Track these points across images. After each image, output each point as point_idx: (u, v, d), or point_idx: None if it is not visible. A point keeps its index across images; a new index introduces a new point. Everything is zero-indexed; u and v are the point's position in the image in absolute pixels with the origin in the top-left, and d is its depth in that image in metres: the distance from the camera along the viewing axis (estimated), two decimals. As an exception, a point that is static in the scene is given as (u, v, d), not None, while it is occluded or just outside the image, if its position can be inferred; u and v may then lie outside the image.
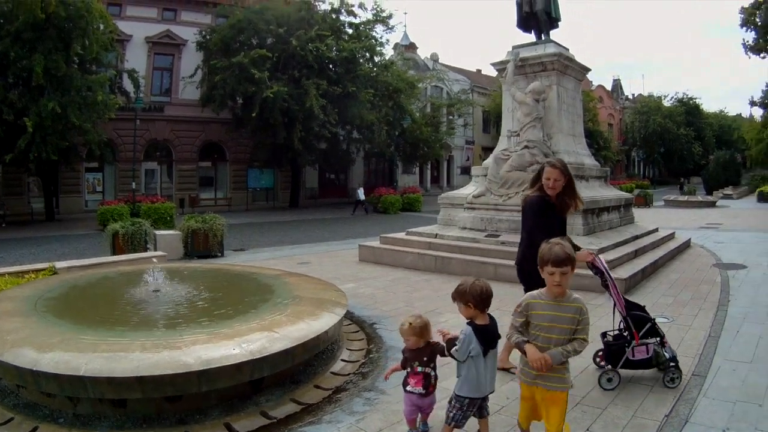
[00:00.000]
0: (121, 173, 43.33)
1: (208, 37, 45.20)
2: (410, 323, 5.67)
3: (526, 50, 18.39)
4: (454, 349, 5.30)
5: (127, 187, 39.42)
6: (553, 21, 19.40)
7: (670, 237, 20.01)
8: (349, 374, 7.67)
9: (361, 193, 45.98)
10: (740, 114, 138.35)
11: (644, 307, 7.66)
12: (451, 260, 15.50)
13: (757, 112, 77.39)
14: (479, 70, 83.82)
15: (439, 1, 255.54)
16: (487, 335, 5.28)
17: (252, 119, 41.98)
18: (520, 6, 19.29)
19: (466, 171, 50.09)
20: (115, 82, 38.97)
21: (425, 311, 10.10)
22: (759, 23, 50.65)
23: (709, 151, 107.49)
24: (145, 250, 17.45)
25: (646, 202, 46.53)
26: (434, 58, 77.03)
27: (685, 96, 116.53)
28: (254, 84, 40.60)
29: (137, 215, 27.67)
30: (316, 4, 47.51)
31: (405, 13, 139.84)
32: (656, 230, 20.05)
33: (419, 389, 5.58)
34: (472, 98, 73.40)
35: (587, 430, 6.03)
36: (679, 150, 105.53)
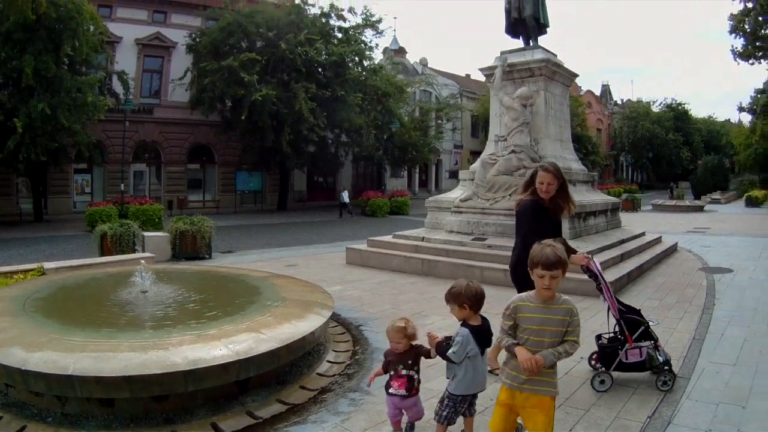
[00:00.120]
0: (110, 175, 43.33)
1: (197, 39, 45.08)
2: (403, 326, 5.69)
3: (514, 56, 18.49)
4: (450, 351, 5.31)
5: (116, 188, 39.31)
6: (541, 27, 19.45)
7: (657, 241, 20.13)
8: (334, 375, 7.73)
9: (345, 196, 45.86)
10: (729, 119, 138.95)
11: (639, 310, 7.73)
12: (438, 263, 15.57)
13: (746, 118, 77.71)
14: (468, 75, 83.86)
15: (428, 6, 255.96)
16: (482, 335, 5.39)
17: (241, 122, 41.89)
18: (508, 12, 19.34)
19: (454, 175, 50.33)
20: (104, 84, 38.93)
21: (411, 314, 10.21)
22: (748, 30, 50.76)
23: (698, 156, 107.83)
24: (134, 251, 17.47)
25: (634, 206, 46.82)
26: (423, 62, 77.08)
27: (673, 101, 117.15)
28: (243, 87, 40.56)
29: (125, 217, 27.68)
30: (306, 8, 47.35)
31: (395, 18, 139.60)
32: (643, 234, 20.15)
33: (402, 392, 5.61)
34: (461, 103, 73.80)
35: (570, 430, 6.10)
36: (667, 155, 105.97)
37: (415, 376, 5.71)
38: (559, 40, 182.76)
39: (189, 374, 5.97)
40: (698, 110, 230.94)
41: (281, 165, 48.54)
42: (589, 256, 7.61)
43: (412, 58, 78.59)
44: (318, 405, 6.74)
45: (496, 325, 5.22)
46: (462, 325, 5.41)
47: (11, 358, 6.04)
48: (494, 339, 5.55)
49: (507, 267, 13.37)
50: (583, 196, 17.78)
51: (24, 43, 30.17)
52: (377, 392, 6.34)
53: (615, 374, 7.29)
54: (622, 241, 17.59)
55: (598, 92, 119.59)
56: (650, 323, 7.54)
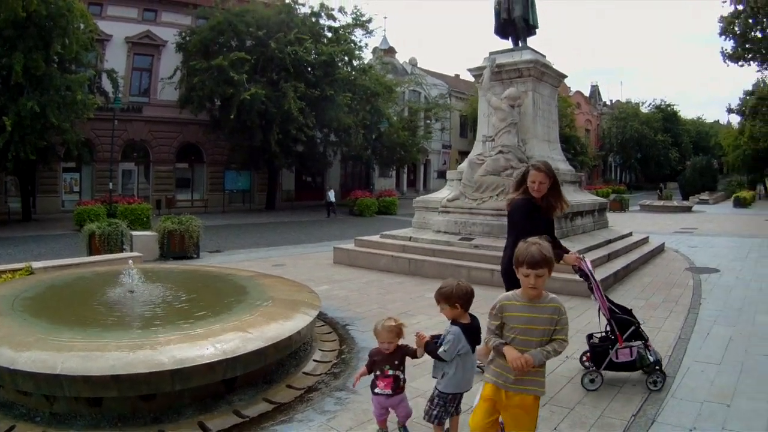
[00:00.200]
0: (99, 173, 43.22)
1: (187, 38, 45.04)
2: (395, 325, 5.67)
3: (502, 56, 18.55)
4: (441, 349, 5.31)
5: (104, 187, 39.17)
6: (530, 28, 19.51)
7: (644, 241, 20.22)
8: (321, 374, 7.76)
9: (331, 195, 46.00)
10: (718, 121, 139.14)
11: (631, 310, 7.74)
12: (425, 263, 15.62)
13: (735, 119, 77.93)
14: (457, 75, 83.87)
15: (419, 6, 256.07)
16: (473, 333, 5.40)
17: (229, 121, 41.98)
18: (498, 13, 19.38)
19: (442, 175, 50.39)
20: (94, 82, 38.95)
21: (398, 313, 10.26)
22: (738, 32, 50.99)
23: (686, 157, 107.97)
24: (122, 250, 17.43)
25: (622, 206, 47.07)
26: (413, 62, 77.16)
27: (662, 102, 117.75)
28: (232, 86, 40.59)
29: (114, 216, 27.63)
30: (296, 7, 47.42)
31: (385, 18, 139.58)
32: (630, 234, 20.24)
33: (388, 391, 5.62)
34: (450, 103, 73.85)
35: (555, 429, 6.13)
36: (656, 156, 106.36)
37: (401, 376, 5.70)
38: (548, 41, 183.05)
39: (176, 373, 5.99)
40: (687, 111, 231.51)
41: (270, 164, 48.58)
42: (581, 256, 7.66)
43: (402, 57, 78.77)
44: (304, 404, 6.77)
45: (484, 325, 5.24)
46: (452, 323, 5.42)
47: (0, 357, 6.03)
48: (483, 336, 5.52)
49: (494, 267, 13.49)
50: (571, 196, 17.79)
51: (14, 41, 30.05)
52: (363, 391, 6.37)
53: (605, 373, 7.31)
54: (609, 241, 17.66)
55: (587, 93, 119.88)
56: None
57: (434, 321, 9.74)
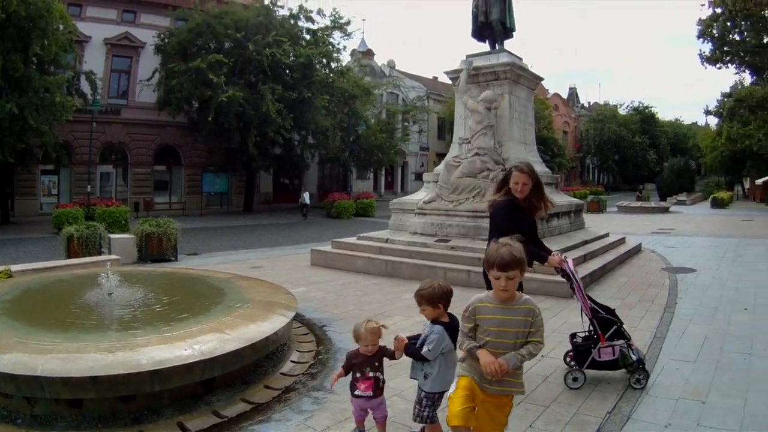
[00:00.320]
0: (77, 176, 43.06)
1: (166, 40, 44.90)
2: (377, 327, 5.67)
3: (479, 59, 18.61)
4: (425, 349, 5.34)
5: (83, 190, 39.02)
6: (507, 31, 19.57)
7: (621, 242, 20.35)
8: (298, 375, 7.80)
9: (306, 197, 45.82)
10: (695, 122, 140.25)
11: (614, 310, 7.80)
12: (402, 265, 15.68)
13: (712, 121, 78.40)
14: (435, 78, 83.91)
15: (397, 8, 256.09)
16: (454, 331, 5.38)
17: (207, 123, 41.80)
18: (475, 16, 19.43)
19: (420, 177, 50.44)
20: (72, 84, 38.63)
21: (374, 314, 10.35)
22: (716, 35, 51.36)
23: (664, 159, 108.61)
24: (100, 253, 17.44)
25: (599, 208, 47.18)
26: (391, 64, 77.32)
27: (640, 104, 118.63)
28: (210, 88, 40.49)
29: (92, 219, 27.55)
30: (275, 9, 47.40)
31: (363, 20, 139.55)
32: (606, 235, 20.34)
33: (369, 393, 5.62)
34: (428, 105, 73.82)
35: (530, 426, 6.18)
36: (633, 157, 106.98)
37: (381, 377, 5.72)
38: (527, 43, 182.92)
39: (155, 374, 6.04)
40: (665, 113, 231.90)
41: (247, 167, 48.57)
42: (564, 257, 7.71)
43: (380, 60, 78.94)
44: (282, 404, 6.82)
45: (462, 324, 5.29)
46: (433, 323, 5.46)
47: (-20, 360, 6.03)
48: None
49: (470, 268, 13.61)
50: (547, 197, 17.92)
51: (-7, 42, 29.83)
52: (340, 391, 6.41)
53: (588, 372, 7.39)
54: (586, 242, 17.74)
55: (565, 95, 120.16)
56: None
57: (410, 322, 9.83)
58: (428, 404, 5.44)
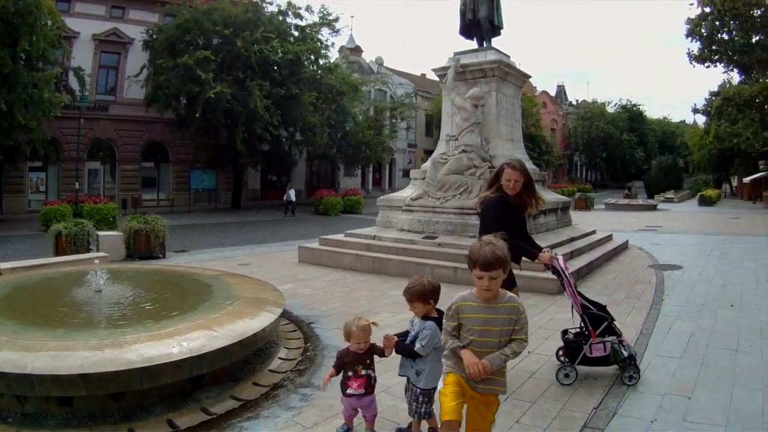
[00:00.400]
0: (65, 173, 42.70)
1: (154, 36, 44.71)
2: (368, 324, 5.69)
3: (467, 57, 18.68)
4: (419, 345, 5.40)
5: (71, 187, 38.92)
6: (495, 29, 19.61)
7: (608, 239, 20.40)
8: (286, 372, 7.83)
9: (292, 194, 45.60)
10: (683, 121, 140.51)
11: (605, 306, 7.84)
12: (389, 261, 15.74)
13: (700, 120, 78.71)
14: (423, 75, 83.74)
15: (386, 5, 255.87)
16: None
17: (195, 120, 41.82)
18: (463, 14, 19.49)
19: (408, 174, 50.50)
20: (60, 80, 38.42)
21: (362, 311, 10.44)
22: (704, 34, 51.75)
23: (652, 156, 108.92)
24: (88, 251, 17.40)
25: (587, 205, 47.19)
26: (379, 61, 77.08)
27: (628, 102, 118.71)
28: (199, 84, 40.45)
29: (80, 216, 27.42)
30: (264, 5, 47.47)
31: (351, 17, 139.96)
32: (594, 232, 20.42)
33: (361, 391, 5.66)
34: (416, 102, 73.64)
35: (517, 421, 6.23)
36: (621, 155, 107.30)
37: (373, 375, 5.78)
38: (516, 43, 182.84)
39: (144, 371, 6.06)
40: (653, 112, 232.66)
41: (235, 163, 48.51)
42: (555, 254, 7.75)
43: (368, 56, 78.62)
44: (270, 400, 6.86)
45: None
46: (424, 318, 5.53)
47: (-29, 359, 6.04)
48: None
49: (457, 264, 13.68)
50: (535, 194, 17.95)
51: (-19, 38, 29.66)
52: (328, 387, 6.32)
53: (580, 368, 7.44)
54: (573, 239, 17.83)
55: (553, 93, 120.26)
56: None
57: (397, 318, 9.86)
58: (425, 401, 5.52)
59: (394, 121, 68.04)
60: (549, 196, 19.40)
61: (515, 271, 7.42)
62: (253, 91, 41.30)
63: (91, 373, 5.87)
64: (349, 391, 5.67)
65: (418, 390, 5.52)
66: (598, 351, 7.39)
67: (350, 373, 5.69)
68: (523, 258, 7.70)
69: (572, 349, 7.51)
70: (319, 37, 49.75)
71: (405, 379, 5.83)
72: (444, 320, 4.92)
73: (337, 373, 5.75)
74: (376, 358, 5.84)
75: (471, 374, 4.57)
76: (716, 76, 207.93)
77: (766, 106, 48.81)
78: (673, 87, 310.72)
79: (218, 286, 9.76)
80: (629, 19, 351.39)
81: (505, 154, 17.35)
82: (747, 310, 11.31)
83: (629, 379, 7.25)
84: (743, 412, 6.42)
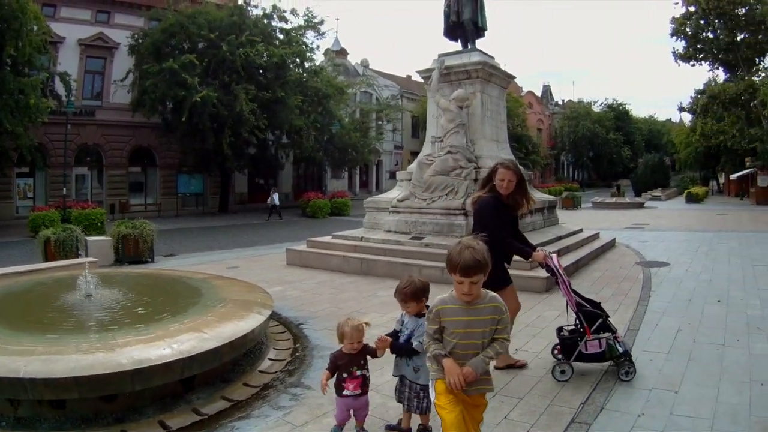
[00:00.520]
0: (52, 179, 42.56)
1: (140, 40, 44.71)
2: (359, 324, 5.67)
3: (451, 58, 18.72)
4: (416, 343, 5.45)
5: (58, 192, 38.75)
6: (479, 30, 19.67)
7: (595, 237, 20.47)
8: (276, 372, 7.89)
9: (275, 198, 45.38)
10: (670, 119, 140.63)
11: (600, 303, 7.88)
12: (377, 262, 15.80)
13: (686, 118, 78.89)
14: (409, 76, 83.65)
15: (371, 7, 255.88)
16: None
17: (181, 124, 41.64)
18: (447, 15, 19.54)
19: (395, 175, 50.56)
20: (47, 85, 38.21)
21: (350, 311, 10.53)
22: (689, 33, 52.08)
23: (639, 155, 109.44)
24: (77, 256, 17.39)
25: (574, 204, 47.28)
26: (364, 63, 77.15)
27: (614, 102, 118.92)
28: (184, 89, 40.36)
29: (68, 221, 27.44)
30: (249, 9, 47.43)
31: (337, 19, 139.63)
32: (580, 231, 20.51)
33: (358, 392, 5.67)
34: (402, 104, 73.88)
35: (505, 417, 6.29)
36: (608, 154, 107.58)
37: (367, 375, 5.79)
38: (501, 45, 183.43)
39: (135, 374, 6.10)
40: (639, 111, 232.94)
41: (222, 167, 48.35)
42: (548, 253, 7.84)
43: (354, 59, 78.84)
44: (261, 401, 6.92)
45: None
46: (417, 316, 5.60)
47: (-35, 364, 6.06)
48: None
49: (444, 265, 13.65)
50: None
51: (-34, 44, 29.50)
52: (317, 387, 6.39)
53: (576, 365, 7.50)
54: (559, 238, 17.92)
55: (539, 93, 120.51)
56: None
57: (386, 318, 9.88)
58: (426, 396, 5.53)
59: (380, 123, 68.21)
60: (535, 196, 19.47)
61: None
62: (238, 94, 41.29)
63: (83, 375, 5.89)
64: (345, 392, 5.68)
65: (419, 386, 5.57)
66: (593, 347, 7.43)
67: (345, 375, 5.68)
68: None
69: (568, 346, 7.56)
70: (305, 40, 49.78)
71: (395, 377, 5.90)
72: (425, 323, 4.86)
73: (332, 375, 5.72)
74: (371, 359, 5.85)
75: (450, 384, 4.49)
76: (701, 74, 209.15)
77: (751, 104, 49.12)
78: (658, 86, 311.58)
79: (207, 289, 9.80)
80: (614, 19, 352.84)
81: (490, 155, 17.46)
82: (734, 306, 11.37)
83: (625, 375, 7.30)
84: (730, 406, 6.47)
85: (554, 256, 7.80)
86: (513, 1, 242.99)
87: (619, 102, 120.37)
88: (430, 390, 4.88)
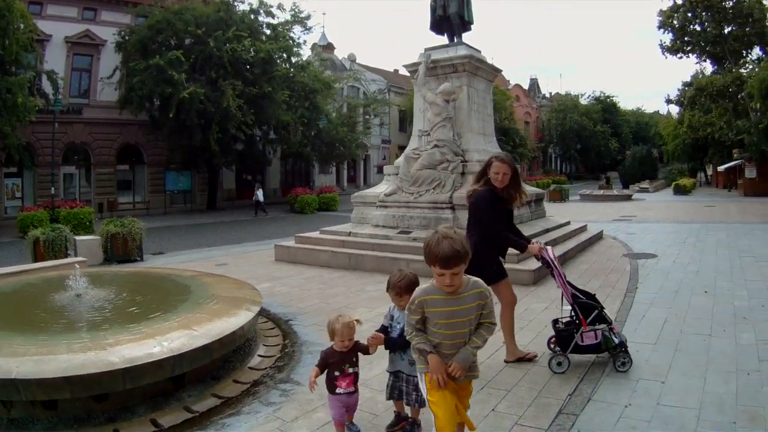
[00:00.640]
0: (40, 178, 42.48)
1: (126, 37, 44.51)
2: (350, 321, 5.62)
3: (438, 52, 18.77)
4: (409, 337, 5.29)
5: (46, 192, 38.61)
6: (465, 24, 19.75)
7: (582, 229, 20.56)
8: (265, 368, 7.93)
9: (260, 194, 45.49)
10: (657, 111, 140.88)
11: (594, 295, 7.96)
12: (365, 257, 15.84)
13: (674, 110, 79.04)
14: (396, 71, 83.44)
15: (357, 2, 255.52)
16: None
17: (169, 121, 41.77)
18: (434, 9, 19.61)
19: (382, 170, 50.47)
20: (34, 84, 37.88)
21: (339, 307, 10.59)
22: (676, 25, 52.31)
23: (626, 147, 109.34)
24: (66, 256, 17.38)
25: (561, 197, 47.36)
26: (351, 58, 77.14)
27: (602, 94, 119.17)
28: (172, 85, 40.31)
29: (57, 221, 27.38)
30: (235, 4, 47.47)
31: (323, 14, 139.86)
32: (568, 223, 20.61)
33: (351, 389, 5.67)
34: (389, 98, 73.67)
35: (493, 409, 6.33)
36: (596, 146, 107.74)
37: (359, 372, 5.80)
38: (489, 39, 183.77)
39: (126, 372, 6.12)
40: (627, 103, 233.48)
41: (209, 164, 48.30)
42: (543, 245, 7.88)
43: (341, 53, 78.73)
44: (251, 397, 6.96)
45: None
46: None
47: (-44, 366, 6.08)
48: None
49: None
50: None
51: (-48, 43, 29.33)
52: (307, 382, 6.29)
53: (572, 356, 7.56)
54: (547, 230, 17.94)
55: (526, 86, 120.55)
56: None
57: (374, 313, 9.93)
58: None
59: (367, 117, 68.13)
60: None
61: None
62: (225, 90, 41.30)
63: (74, 375, 5.91)
64: (338, 390, 5.65)
65: (416, 379, 5.45)
66: (589, 339, 7.49)
67: (337, 373, 5.65)
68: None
69: (564, 338, 7.61)
70: (291, 35, 49.77)
71: (387, 373, 5.93)
72: (407, 314, 4.80)
73: (322, 372, 5.68)
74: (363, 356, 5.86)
75: (435, 382, 4.51)
76: (689, 66, 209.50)
77: (738, 96, 49.33)
78: (646, 78, 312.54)
79: (196, 287, 9.81)
80: (600, 12, 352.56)
81: (477, 148, 17.55)
82: (721, 296, 11.45)
83: (622, 366, 7.36)
84: (716, 395, 6.52)
85: (549, 248, 7.84)
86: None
87: (606, 94, 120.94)
88: (420, 384, 4.89)
